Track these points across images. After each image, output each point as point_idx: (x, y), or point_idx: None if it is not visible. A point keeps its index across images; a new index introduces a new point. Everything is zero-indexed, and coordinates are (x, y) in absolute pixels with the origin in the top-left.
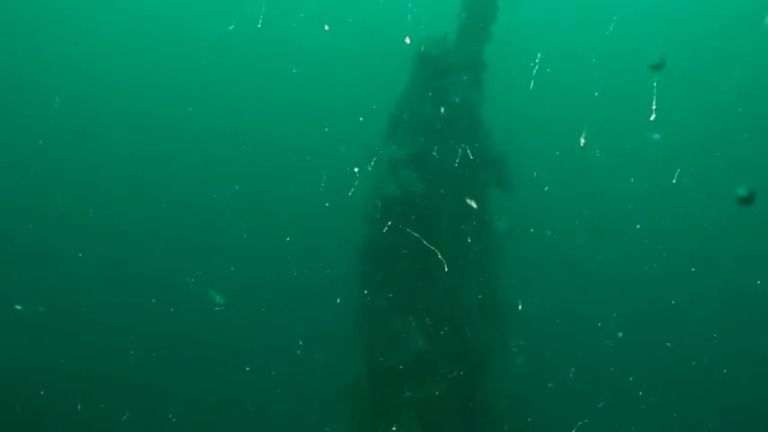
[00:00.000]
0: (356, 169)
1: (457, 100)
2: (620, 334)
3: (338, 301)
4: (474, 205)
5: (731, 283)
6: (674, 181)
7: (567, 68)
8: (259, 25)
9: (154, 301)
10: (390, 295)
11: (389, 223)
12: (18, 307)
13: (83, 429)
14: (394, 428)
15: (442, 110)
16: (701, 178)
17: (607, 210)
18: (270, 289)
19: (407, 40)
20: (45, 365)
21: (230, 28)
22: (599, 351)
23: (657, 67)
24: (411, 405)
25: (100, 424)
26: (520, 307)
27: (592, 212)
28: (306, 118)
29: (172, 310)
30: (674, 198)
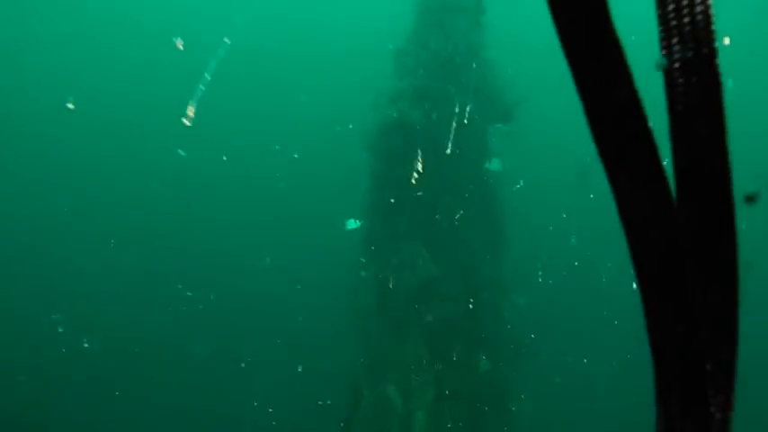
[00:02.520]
0: None
1: (457, 39)
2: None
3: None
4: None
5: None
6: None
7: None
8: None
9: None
10: (397, 222)
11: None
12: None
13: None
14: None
15: (443, 47)
16: None
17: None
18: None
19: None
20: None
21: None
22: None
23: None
24: (420, 327)
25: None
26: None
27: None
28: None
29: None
30: None
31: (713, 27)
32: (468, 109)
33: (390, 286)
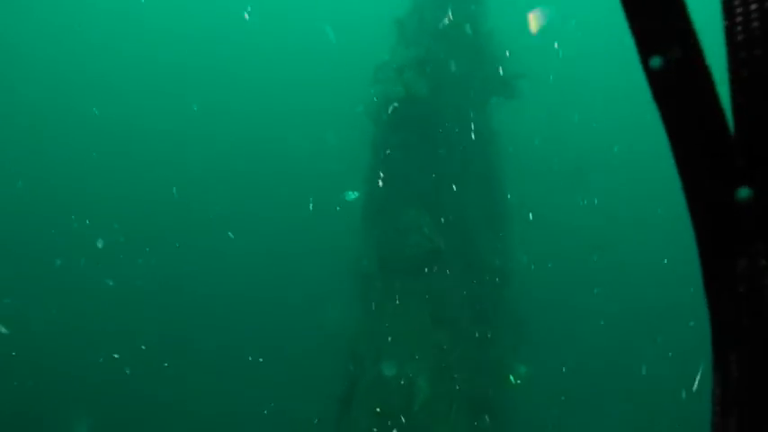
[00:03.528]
0: None
1: (461, 9)
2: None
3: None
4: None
5: None
6: None
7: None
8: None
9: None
10: (399, 190)
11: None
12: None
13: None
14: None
15: (447, 18)
16: None
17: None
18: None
19: None
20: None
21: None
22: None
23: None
24: (421, 296)
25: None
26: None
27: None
28: None
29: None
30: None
31: None
32: (470, 80)
33: (393, 255)
